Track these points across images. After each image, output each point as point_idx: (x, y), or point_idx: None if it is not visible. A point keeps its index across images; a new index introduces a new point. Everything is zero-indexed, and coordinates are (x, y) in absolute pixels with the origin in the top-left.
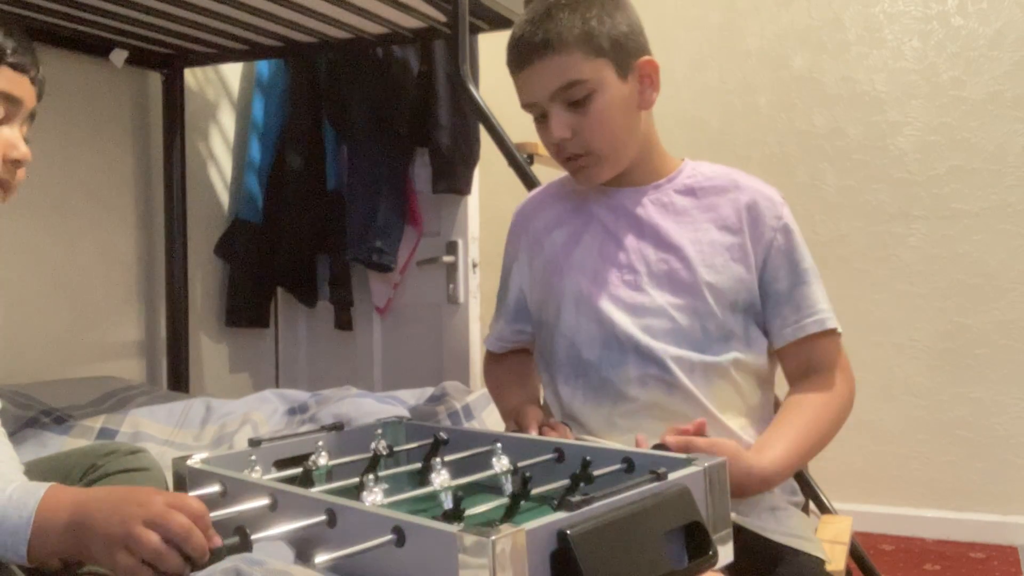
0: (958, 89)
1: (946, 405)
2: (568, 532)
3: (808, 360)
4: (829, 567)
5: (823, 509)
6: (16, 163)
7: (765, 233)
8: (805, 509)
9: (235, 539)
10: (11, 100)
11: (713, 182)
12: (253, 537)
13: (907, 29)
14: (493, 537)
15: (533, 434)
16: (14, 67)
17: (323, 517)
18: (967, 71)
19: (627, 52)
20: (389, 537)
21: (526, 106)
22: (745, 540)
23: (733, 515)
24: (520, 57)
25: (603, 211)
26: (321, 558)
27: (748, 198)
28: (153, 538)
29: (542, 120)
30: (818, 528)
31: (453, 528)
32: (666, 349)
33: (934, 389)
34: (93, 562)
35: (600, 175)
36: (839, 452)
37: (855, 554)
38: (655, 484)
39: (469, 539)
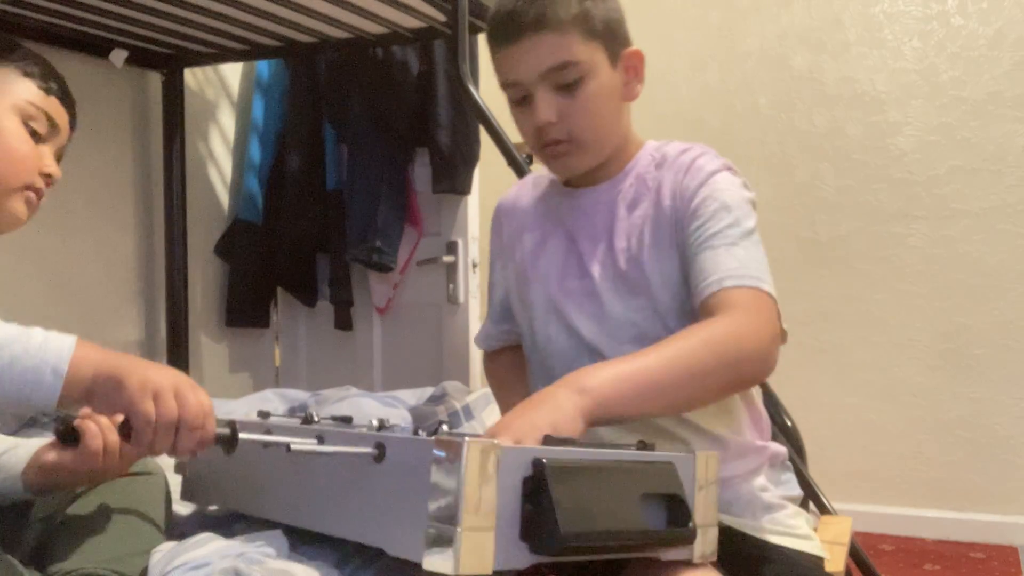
0: (958, 89)
1: (946, 405)
2: (544, 460)
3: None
4: (829, 567)
5: (823, 509)
6: (48, 178)
7: (688, 207)
8: (804, 505)
9: (225, 430)
10: (53, 125)
11: (660, 165)
12: (243, 435)
13: (907, 29)
14: (468, 439)
15: None
16: (61, 101)
17: (313, 440)
18: (967, 71)
19: (618, 39)
20: (370, 450)
21: (507, 85)
22: (739, 543)
23: (727, 518)
24: (508, 31)
25: (567, 214)
26: (297, 444)
27: (683, 177)
28: (174, 411)
29: (522, 103)
30: (818, 528)
31: (428, 439)
32: None
33: (934, 389)
34: (107, 405)
35: (579, 164)
36: (839, 452)
37: (855, 554)
38: (640, 452)
39: (445, 444)
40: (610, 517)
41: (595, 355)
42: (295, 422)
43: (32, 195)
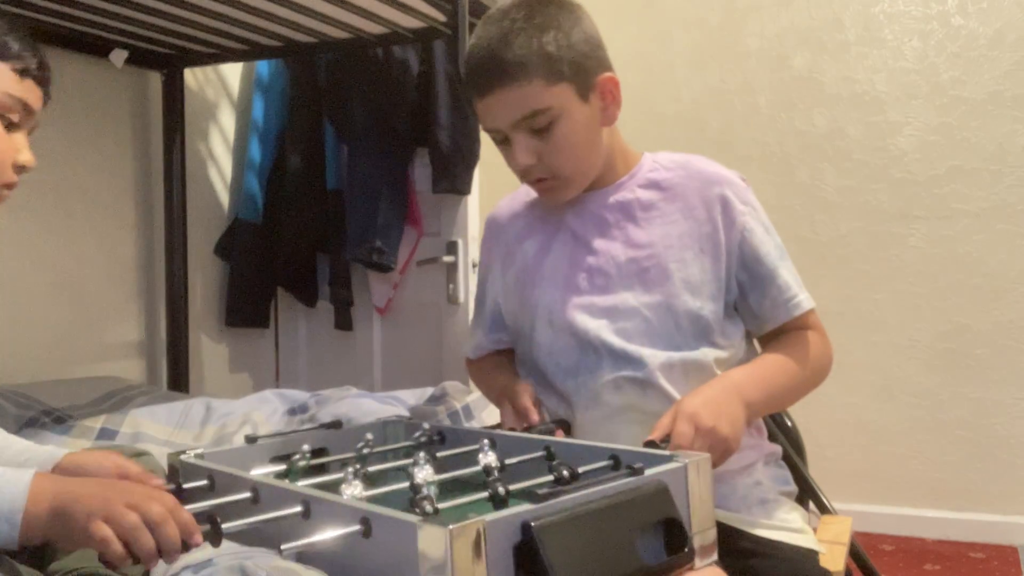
0: (958, 89)
1: (946, 405)
2: (532, 524)
3: (790, 327)
4: (829, 566)
5: (823, 509)
6: (21, 168)
7: (736, 219)
8: (803, 504)
9: (206, 526)
10: (27, 109)
11: (675, 172)
12: (227, 526)
13: (907, 29)
14: (451, 527)
15: (528, 403)
16: (36, 80)
17: (299, 508)
18: (967, 71)
19: (587, 72)
20: (356, 528)
21: (487, 130)
22: (734, 538)
23: (723, 512)
24: (478, 85)
25: (571, 217)
26: (287, 546)
27: (714, 187)
28: (133, 517)
29: (505, 143)
30: (818, 528)
31: (414, 519)
32: (639, 351)
33: (934, 389)
34: (71, 543)
35: (566, 195)
36: (839, 452)
37: (855, 554)
38: (630, 479)
39: (429, 530)
40: (607, 564)
41: (599, 350)
42: (277, 466)
43: (5, 191)
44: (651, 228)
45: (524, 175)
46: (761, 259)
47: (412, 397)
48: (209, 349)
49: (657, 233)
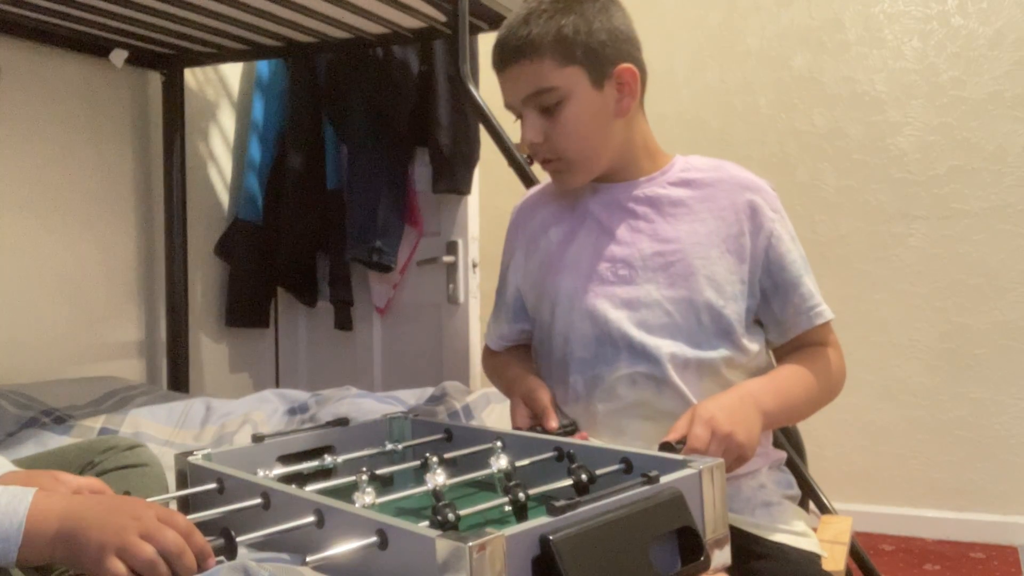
0: (958, 89)
1: (946, 405)
2: (551, 538)
3: (809, 340)
4: (830, 567)
5: (823, 509)
6: None
7: (764, 225)
8: (803, 505)
9: (220, 541)
10: None
11: (707, 174)
12: (240, 539)
13: (907, 29)
14: (470, 543)
15: (548, 404)
16: None
17: (312, 518)
18: (967, 71)
19: (603, 60)
20: (372, 540)
21: (506, 107)
22: (739, 540)
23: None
24: (498, 60)
25: (598, 207)
26: (312, 557)
27: (745, 191)
28: (148, 550)
29: (519, 121)
30: (818, 528)
31: (432, 533)
32: (659, 345)
33: (934, 389)
34: (80, 569)
35: (572, 180)
36: (839, 452)
37: (855, 554)
38: (645, 488)
39: (447, 545)
40: (624, 574)
41: (617, 342)
42: (288, 478)
43: None
44: (679, 224)
45: (533, 154)
46: (786, 267)
47: (412, 397)
48: (209, 349)
49: (684, 229)
